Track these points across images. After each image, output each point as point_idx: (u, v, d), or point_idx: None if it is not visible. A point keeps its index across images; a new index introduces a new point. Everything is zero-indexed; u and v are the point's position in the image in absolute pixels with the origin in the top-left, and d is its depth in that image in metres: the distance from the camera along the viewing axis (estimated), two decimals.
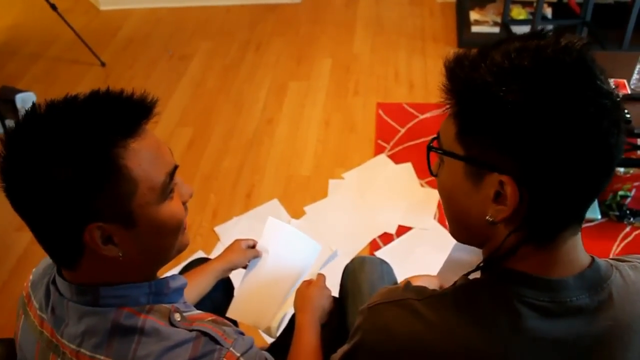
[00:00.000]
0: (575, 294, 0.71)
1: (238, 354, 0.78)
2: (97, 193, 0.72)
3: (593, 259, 0.74)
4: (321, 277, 1.33)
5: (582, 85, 0.65)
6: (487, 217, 0.71)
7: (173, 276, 0.86)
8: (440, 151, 0.75)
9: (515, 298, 0.70)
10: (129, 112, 0.75)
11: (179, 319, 0.80)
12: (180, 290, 0.87)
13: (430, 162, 0.80)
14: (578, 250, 0.73)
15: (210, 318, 0.84)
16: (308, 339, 1.16)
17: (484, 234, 0.75)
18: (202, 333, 0.78)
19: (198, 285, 1.31)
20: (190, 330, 0.78)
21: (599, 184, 0.68)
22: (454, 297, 0.75)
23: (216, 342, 0.78)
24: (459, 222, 0.79)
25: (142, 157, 0.74)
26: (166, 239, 0.81)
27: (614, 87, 0.68)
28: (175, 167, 0.80)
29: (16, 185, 0.73)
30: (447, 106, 0.72)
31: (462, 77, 0.69)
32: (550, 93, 0.64)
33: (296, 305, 1.26)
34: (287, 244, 1.49)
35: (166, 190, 0.78)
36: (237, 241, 1.42)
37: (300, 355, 1.14)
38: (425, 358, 0.74)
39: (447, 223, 2.46)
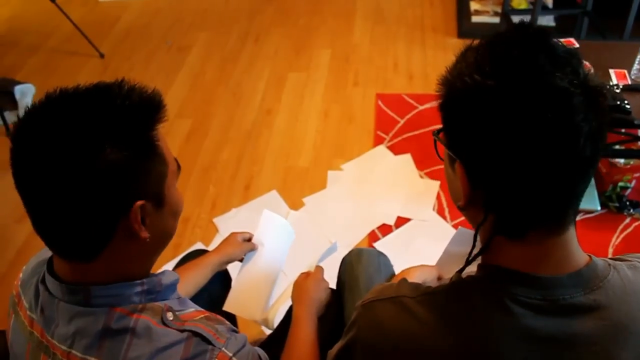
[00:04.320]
0: (568, 292, 0.70)
1: (230, 354, 0.78)
2: (143, 173, 0.75)
3: (590, 258, 0.74)
4: (319, 269, 1.32)
5: (534, 86, 0.64)
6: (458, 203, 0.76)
7: (164, 272, 0.86)
8: (436, 137, 0.78)
9: (507, 296, 0.70)
10: (157, 99, 0.78)
11: (171, 319, 0.79)
12: (172, 286, 0.86)
13: (437, 147, 0.82)
14: (570, 249, 0.72)
15: (202, 316, 0.83)
16: (305, 331, 1.16)
17: (469, 212, 0.78)
18: (194, 333, 0.78)
19: (195, 278, 1.31)
20: (182, 331, 0.78)
21: (571, 186, 0.68)
22: (447, 295, 0.76)
23: (208, 342, 0.77)
24: (454, 201, 0.82)
25: (165, 142, 0.79)
26: (175, 222, 0.85)
27: (588, 74, 0.67)
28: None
29: (45, 174, 0.70)
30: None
31: (445, 74, 0.73)
32: (502, 88, 0.65)
33: (293, 297, 1.26)
34: (282, 236, 1.49)
35: (176, 175, 0.83)
36: (233, 234, 1.43)
37: (296, 347, 1.14)
38: (418, 355, 0.74)
39: (446, 214, 2.44)
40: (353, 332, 0.81)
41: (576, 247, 0.73)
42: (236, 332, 0.85)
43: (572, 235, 0.72)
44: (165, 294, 0.84)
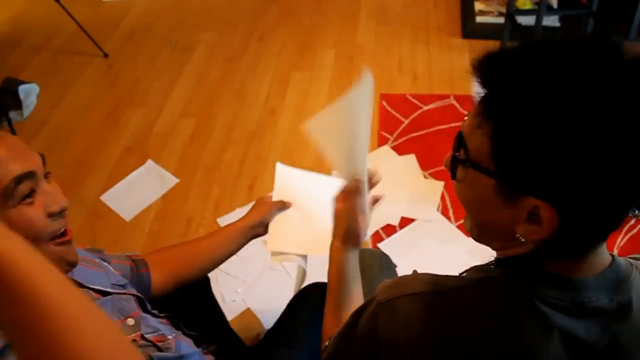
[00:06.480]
0: (594, 294, 0.69)
1: None
2: None
3: (613, 258, 0.72)
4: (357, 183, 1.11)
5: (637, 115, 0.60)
6: (517, 235, 0.68)
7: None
8: (468, 164, 0.70)
9: (535, 297, 0.69)
10: None
11: None
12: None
13: (454, 169, 0.74)
14: (601, 251, 0.71)
15: None
16: (330, 270, 1.10)
17: (506, 242, 0.73)
18: None
19: (223, 246, 1.28)
20: None
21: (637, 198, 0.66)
22: (473, 292, 0.73)
23: None
24: (481, 227, 0.77)
25: None
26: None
27: None
28: (29, 173, 0.79)
29: None
30: (479, 116, 0.67)
31: (501, 92, 0.64)
32: (602, 119, 0.59)
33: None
34: (305, 188, 1.41)
35: (10, 196, 0.76)
36: (259, 199, 1.39)
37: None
38: (443, 351, 0.72)
39: (450, 214, 2.40)
40: (372, 334, 0.78)
41: (604, 248, 0.72)
42: None
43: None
44: None
